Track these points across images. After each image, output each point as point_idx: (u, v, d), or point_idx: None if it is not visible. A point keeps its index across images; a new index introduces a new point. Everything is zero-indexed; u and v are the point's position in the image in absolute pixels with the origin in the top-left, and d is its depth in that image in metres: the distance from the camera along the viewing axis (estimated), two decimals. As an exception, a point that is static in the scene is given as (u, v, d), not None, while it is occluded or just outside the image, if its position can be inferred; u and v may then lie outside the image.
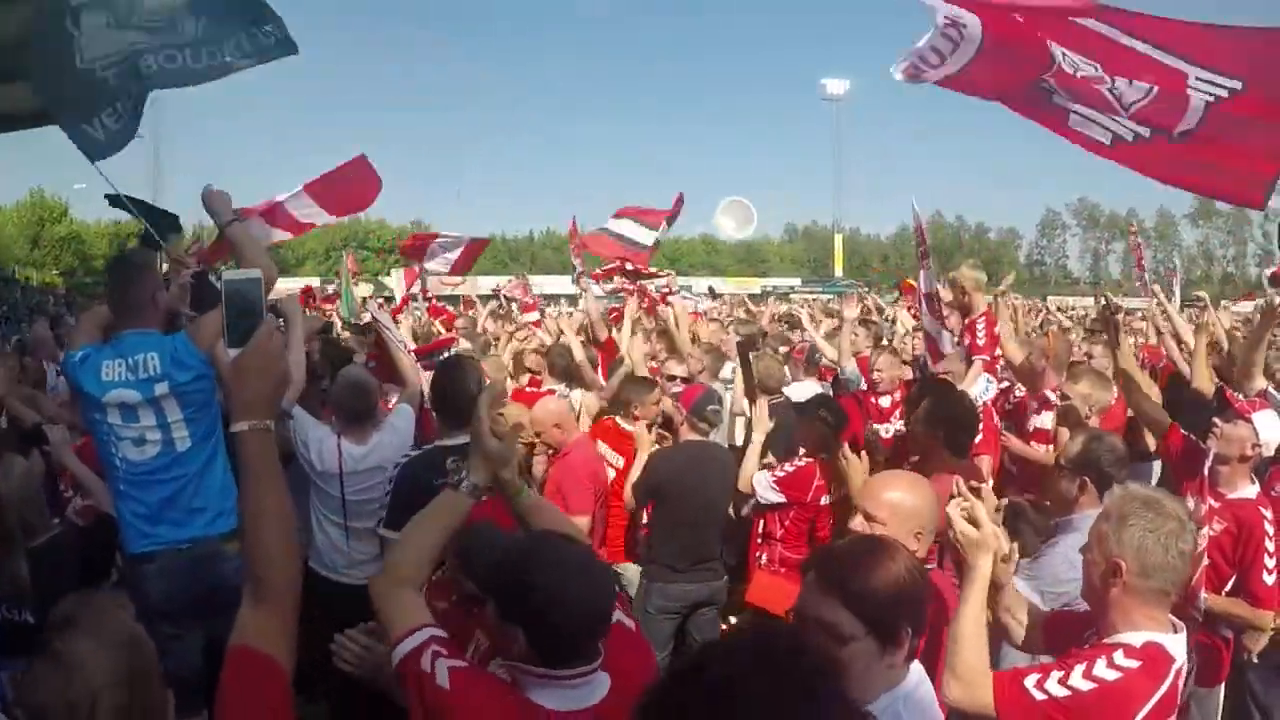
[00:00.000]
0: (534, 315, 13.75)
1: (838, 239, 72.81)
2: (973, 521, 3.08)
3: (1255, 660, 4.99)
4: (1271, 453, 4.95)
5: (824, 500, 5.93)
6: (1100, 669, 2.73)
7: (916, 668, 2.62)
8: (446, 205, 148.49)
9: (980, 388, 7.43)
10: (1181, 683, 2.83)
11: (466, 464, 2.92)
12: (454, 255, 14.30)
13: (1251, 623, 4.70)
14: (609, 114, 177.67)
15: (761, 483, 6.00)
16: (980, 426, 5.74)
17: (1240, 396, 5.37)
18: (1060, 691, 2.70)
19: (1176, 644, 2.84)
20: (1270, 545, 4.67)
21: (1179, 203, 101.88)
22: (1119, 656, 2.76)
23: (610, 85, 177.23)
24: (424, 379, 6.41)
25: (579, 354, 8.60)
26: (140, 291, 4.80)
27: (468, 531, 3.08)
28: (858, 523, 3.49)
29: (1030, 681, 2.74)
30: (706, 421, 6.26)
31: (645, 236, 12.94)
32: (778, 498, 5.93)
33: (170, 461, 4.64)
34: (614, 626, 2.69)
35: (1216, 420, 5.04)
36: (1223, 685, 4.99)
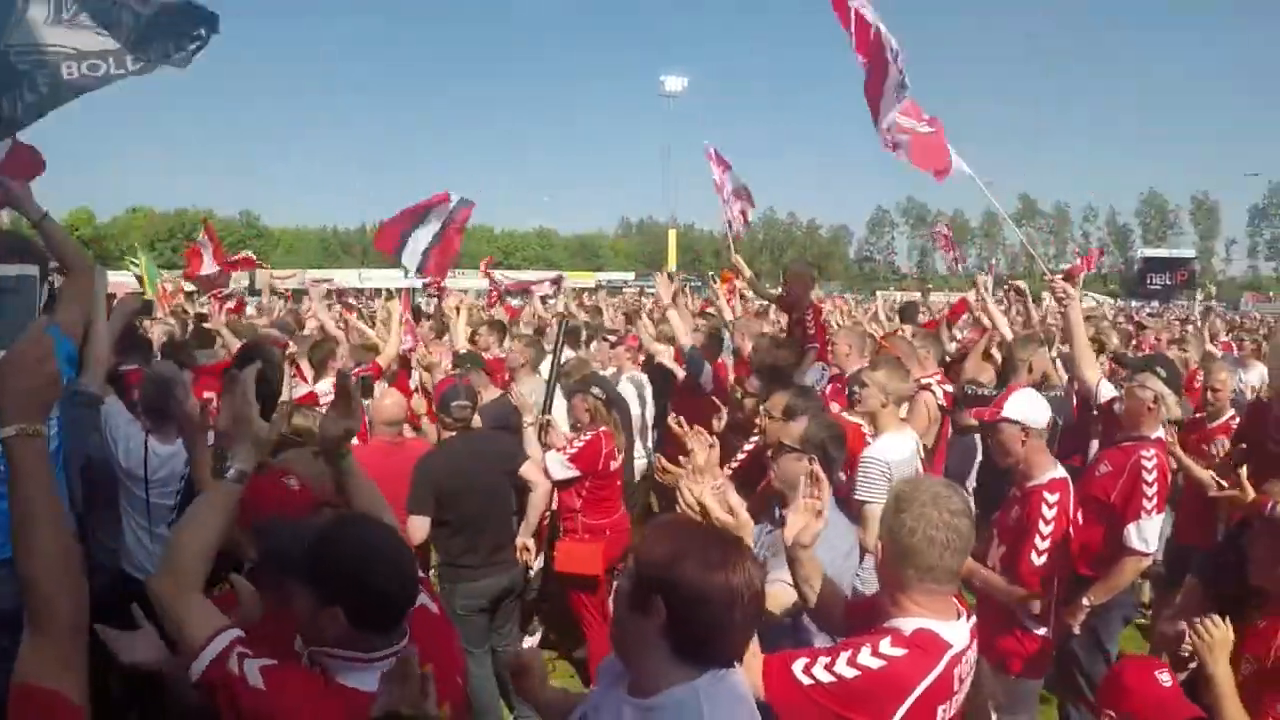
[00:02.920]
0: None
1: (671, 234, 73.30)
2: (728, 508, 3.08)
3: (1077, 632, 5.21)
4: (1042, 427, 4.98)
5: (612, 466, 6.76)
6: (865, 656, 2.75)
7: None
8: (276, 197, 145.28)
9: (815, 375, 7.60)
10: (960, 669, 2.85)
11: (232, 452, 2.89)
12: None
13: (1013, 598, 4.79)
14: (448, 105, 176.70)
15: (555, 463, 6.53)
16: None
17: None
18: (826, 678, 2.73)
19: (953, 631, 2.87)
20: (1044, 528, 4.74)
21: (1004, 203, 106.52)
22: (885, 644, 2.79)
23: (449, 77, 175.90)
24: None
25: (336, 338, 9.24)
26: None
27: (268, 529, 3.10)
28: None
29: (798, 666, 2.76)
30: (454, 417, 6.18)
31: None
32: (573, 473, 6.56)
33: None
34: (419, 610, 2.73)
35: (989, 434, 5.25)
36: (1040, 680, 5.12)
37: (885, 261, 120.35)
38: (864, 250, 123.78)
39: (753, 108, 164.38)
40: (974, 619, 3.05)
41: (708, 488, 3.14)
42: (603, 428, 6.74)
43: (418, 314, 16.15)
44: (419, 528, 5.93)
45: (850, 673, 2.73)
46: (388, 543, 2.64)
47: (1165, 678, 3.28)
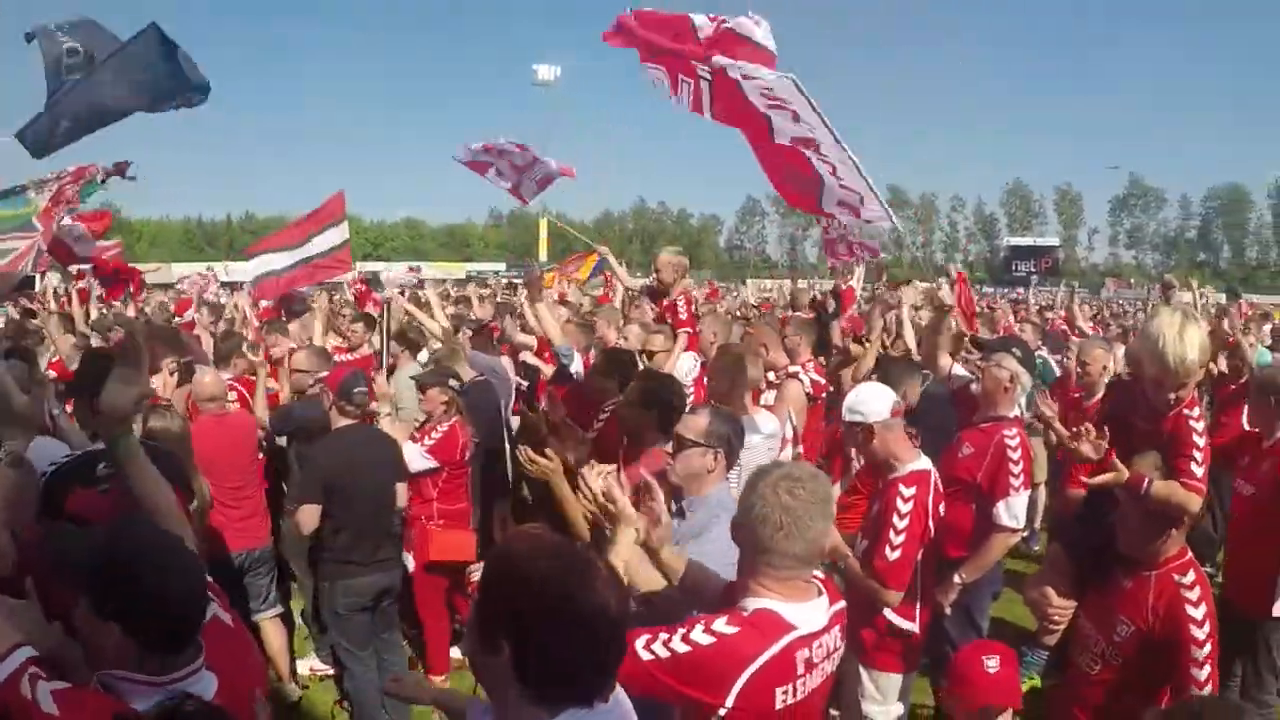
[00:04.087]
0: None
1: (543, 223, 72.76)
2: (609, 496, 3.19)
3: (949, 612, 5.27)
4: (885, 418, 4.88)
5: (468, 457, 6.89)
6: (697, 632, 2.81)
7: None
8: (138, 187, 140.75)
9: (686, 366, 7.59)
10: (806, 652, 2.89)
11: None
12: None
13: (879, 599, 4.72)
14: (315, 94, 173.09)
15: (414, 454, 6.53)
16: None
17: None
18: (662, 652, 2.79)
19: (801, 613, 2.91)
20: (898, 522, 4.69)
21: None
22: (720, 622, 2.84)
23: (316, 65, 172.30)
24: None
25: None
26: None
27: (55, 536, 2.93)
28: None
29: (640, 643, 2.80)
30: (354, 404, 6.11)
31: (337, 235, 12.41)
32: (432, 464, 6.63)
33: None
34: (212, 623, 2.61)
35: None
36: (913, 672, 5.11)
37: (756, 250, 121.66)
38: (734, 239, 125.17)
39: (626, 97, 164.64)
40: (840, 604, 3.10)
41: (599, 479, 3.24)
42: (455, 418, 6.80)
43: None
44: (310, 515, 5.82)
45: (683, 648, 2.79)
46: (174, 554, 2.47)
47: (992, 663, 3.64)
